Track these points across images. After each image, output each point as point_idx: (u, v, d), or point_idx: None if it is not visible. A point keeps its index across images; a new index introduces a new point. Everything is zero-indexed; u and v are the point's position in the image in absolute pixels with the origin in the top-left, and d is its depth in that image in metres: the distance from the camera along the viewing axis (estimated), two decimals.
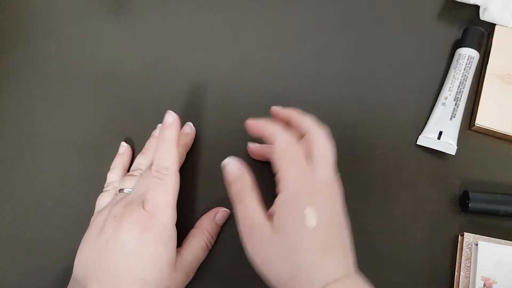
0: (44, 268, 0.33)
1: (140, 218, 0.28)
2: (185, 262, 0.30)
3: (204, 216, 0.34)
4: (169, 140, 0.30)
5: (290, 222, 0.26)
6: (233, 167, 0.31)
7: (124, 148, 0.37)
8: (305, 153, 0.28)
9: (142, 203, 0.29)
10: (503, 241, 0.34)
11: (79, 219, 0.34)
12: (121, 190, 0.32)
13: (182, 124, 0.37)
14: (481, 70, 0.41)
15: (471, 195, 0.35)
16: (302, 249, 0.26)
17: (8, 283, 0.32)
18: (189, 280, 0.31)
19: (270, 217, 0.27)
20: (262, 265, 0.27)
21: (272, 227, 0.27)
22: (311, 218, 0.26)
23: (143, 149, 0.36)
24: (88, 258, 0.28)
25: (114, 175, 0.35)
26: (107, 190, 0.34)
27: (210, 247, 0.33)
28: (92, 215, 0.32)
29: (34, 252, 0.33)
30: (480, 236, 0.34)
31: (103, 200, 0.33)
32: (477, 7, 0.44)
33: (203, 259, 0.32)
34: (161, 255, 0.28)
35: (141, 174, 0.33)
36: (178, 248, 0.31)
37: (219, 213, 0.34)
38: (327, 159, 0.29)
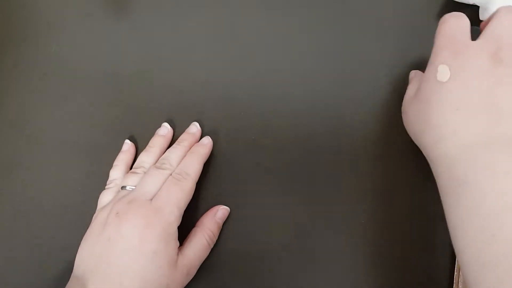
0: (44, 268, 0.33)
1: (145, 214, 0.28)
2: (186, 260, 0.30)
3: (205, 215, 0.34)
4: (200, 156, 0.33)
5: (427, 75, 0.27)
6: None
7: (127, 145, 0.36)
8: None
9: (148, 200, 0.29)
10: None
11: (79, 219, 0.34)
12: (123, 187, 0.32)
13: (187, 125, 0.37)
14: None
15: None
16: (433, 103, 0.26)
17: (8, 283, 0.32)
18: (190, 279, 0.31)
19: None
20: (408, 118, 0.30)
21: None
22: (442, 74, 0.26)
23: (147, 147, 0.36)
24: (89, 255, 0.28)
25: (116, 172, 0.35)
26: (109, 188, 0.34)
27: (212, 245, 0.33)
28: (93, 214, 0.32)
29: (34, 252, 0.33)
30: None
31: (105, 198, 0.33)
32: (477, 7, 0.44)
33: (205, 258, 0.32)
34: (162, 252, 0.28)
35: (144, 172, 0.33)
36: (180, 246, 0.31)
37: (219, 211, 0.34)
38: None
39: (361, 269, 0.31)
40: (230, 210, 0.35)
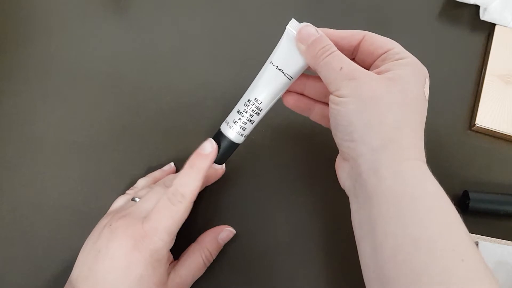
0: (44, 268, 0.33)
1: (133, 235, 0.27)
2: (179, 279, 0.30)
3: (207, 232, 0.33)
4: (198, 169, 0.29)
5: (410, 82, 0.26)
6: (310, 29, 0.27)
7: (169, 166, 0.36)
8: None
9: (142, 219, 0.28)
10: (503, 241, 0.34)
11: (79, 219, 0.34)
12: (133, 199, 0.32)
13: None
14: (481, 70, 0.41)
15: (471, 195, 0.35)
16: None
17: (8, 283, 0.32)
18: None
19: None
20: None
21: (381, 76, 0.26)
22: (427, 89, 0.27)
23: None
24: (83, 263, 0.28)
25: (142, 182, 0.34)
26: (126, 194, 0.34)
27: (207, 265, 0.32)
28: (92, 215, 0.32)
29: (34, 252, 0.33)
30: (480, 236, 0.34)
31: (117, 203, 0.33)
32: (477, 7, 0.44)
33: (198, 277, 0.31)
34: (150, 276, 0.27)
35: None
36: (175, 261, 0.31)
37: (223, 232, 0.33)
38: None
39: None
40: (229, 209, 0.35)
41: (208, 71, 0.41)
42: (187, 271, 0.30)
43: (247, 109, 0.29)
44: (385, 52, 0.28)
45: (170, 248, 0.29)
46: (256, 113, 0.29)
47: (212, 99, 0.39)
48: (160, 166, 0.36)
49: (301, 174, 0.36)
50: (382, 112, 0.25)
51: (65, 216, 0.35)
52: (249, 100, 0.29)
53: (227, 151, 0.30)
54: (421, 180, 0.24)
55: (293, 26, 0.28)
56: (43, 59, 0.41)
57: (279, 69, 0.28)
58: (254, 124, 0.30)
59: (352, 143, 0.26)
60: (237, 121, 0.29)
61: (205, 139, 0.37)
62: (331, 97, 0.26)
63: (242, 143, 0.30)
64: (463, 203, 0.35)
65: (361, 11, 0.44)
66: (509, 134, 0.38)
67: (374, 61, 0.28)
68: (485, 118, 0.38)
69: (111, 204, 0.33)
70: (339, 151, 0.28)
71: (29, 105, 0.39)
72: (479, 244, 0.33)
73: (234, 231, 0.34)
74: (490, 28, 0.43)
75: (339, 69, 0.26)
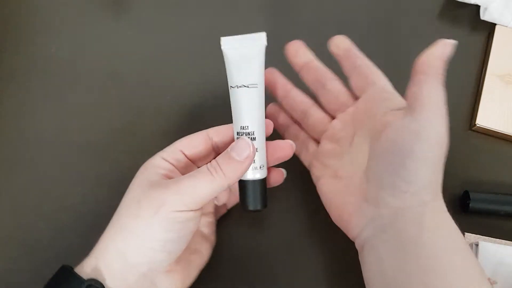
0: (44, 268, 0.33)
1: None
2: (175, 183, 0.26)
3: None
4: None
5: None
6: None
7: None
8: None
9: None
10: (504, 241, 0.34)
11: (79, 219, 0.34)
12: None
13: None
14: (481, 70, 0.41)
15: (471, 195, 0.35)
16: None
17: (8, 283, 0.32)
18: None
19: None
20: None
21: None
22: None
23: None
24: None
25: None
26: None
27: (216, 178, 0.26)
28: (92, 214, 0.32)
29: (34, 252, 0.33)
30: (481, 236, 0.34)
31: None
32: (477, 7, 0.43)
33: (203, 194, 0.26)
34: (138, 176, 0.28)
35: None
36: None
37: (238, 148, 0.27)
38: None
39: (361, 270, 0.31)
40: (229, 208, 0.34)
41: (208, 71, 0.41)
42: (188, 179, 0.26)
43: None
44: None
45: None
46: (252, 139, 0.27)
47: (212, 99, 0.39)
48: None
49: (302, 173, 0.36)
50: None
51: (65, 216, 0.35)
52: (238, 132, 0.27)
53: (257, 192, 0.27)
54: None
55: (226, 43, 0.27)
56: (43, 59, 0.41)
57: (241, 86, 0.27)
58: (261, 150, 0.27)
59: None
60: None
61: None
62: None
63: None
64: (463, 203, 0.35)
65: (360, 10, 0.44)
66: (509, 134, 0.38)
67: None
68: (486, 118, 0.38)
69: (111, 204, 0.33)
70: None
71: (29, 105, 0.39)
72: (479, 245, 0.33)
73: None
74: (490, 28, 0.43)
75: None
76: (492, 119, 0.38)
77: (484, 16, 0.42)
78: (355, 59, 0.31)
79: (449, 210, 0.36)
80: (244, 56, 0.27)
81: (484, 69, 0.41)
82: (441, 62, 0.26)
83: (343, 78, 0.33)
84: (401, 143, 0.25)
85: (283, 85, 0.34)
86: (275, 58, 0.41)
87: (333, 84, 0.32)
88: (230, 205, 0.34)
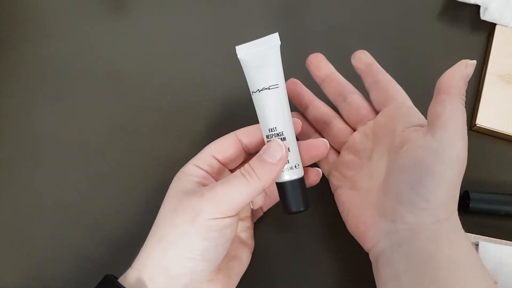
0: (44, 268, 0.33)
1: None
2: (210, 190, 0.26)
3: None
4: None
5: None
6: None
7: None
8: None
9: None
10: (504, 241, 0.34)
11: (79, 219, 0.34)
12: None
13: None
14: (481, 70, 0.41)
15: (471, 195, 0.35)
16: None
17: (8, 283, 0.32)
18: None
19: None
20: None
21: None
22: None
23: None
24: None
25: None
26: None
27: (250, 182, 0.26)
28: (92, 214, 0.32)
29: (34, 252, 0.33)
30: (481, 236, 0.34)
31: None
32: (477, 7, 0.43)
33: (240, 200, 0.26)
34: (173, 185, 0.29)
35: None
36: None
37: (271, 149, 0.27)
38: None
39: (361, 270, 0.31)
40: (265, 210, 0.34)
41: (208, 71, 0.41)
42: (222, 186, 0.26)
43: None
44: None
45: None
46: (282, 140, 0.27)
47: (212, 99, 0.39)
48: (160, 166, 0.36)
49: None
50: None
51: (65, 216, 0.35)
52: (267, 136, 0.27)
53: (297, 192, 0.27)
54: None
55: (241, 50, 0.28)
56: (43, 59, 0.41)
57: (263, 89, 0.27)
58: (293, 149, 0.27)
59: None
60: None
61: (206, 139, 0.37)
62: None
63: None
64: (463, 203, 0.35)
65: (360, 10, 0.44)
66: (509, 134, 0.38)
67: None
68: (486, 118, 0.38)
69: (111, 204, 0.33)
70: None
71: (29, 105, 0.39)
72: (479, 245, 0.33)
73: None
74: (490, 28, 0.43)
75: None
76: (492, 119, 0.38)
77: (484, 16, 0.42)
78: (376, 74, 0.32)
79: None
80: (261, 59, 0.27)
81: (484, 69, 0.41)
82: (464, 82, 0.27)
83: (363, 91, 0.33)
84: (421, 161, 0.25)
85: (306, 95, 0.34)
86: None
87: (354, 97, 0.33)
88: (266, 208, 0.34)
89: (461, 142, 0.25)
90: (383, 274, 0.27)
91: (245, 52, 0.27)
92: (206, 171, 0.28)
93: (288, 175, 0.27)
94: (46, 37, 0.42)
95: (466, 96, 0.37)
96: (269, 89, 0.27)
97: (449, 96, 0.26)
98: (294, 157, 0.27)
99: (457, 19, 0.44)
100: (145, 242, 0.27)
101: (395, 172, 0.27)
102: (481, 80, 0.40)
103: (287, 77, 0.29)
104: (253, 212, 0.33)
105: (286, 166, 0.27)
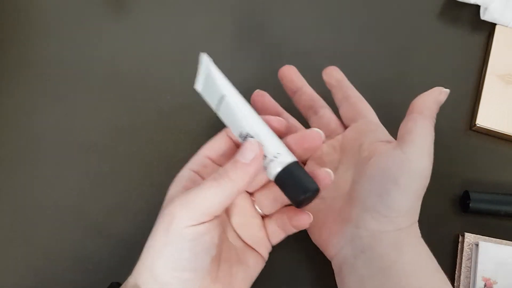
0: (44, 268, 0.33)
1: None
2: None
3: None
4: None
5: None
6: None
7: None
8: None
9: None
10: (504, 241, 0.34)
11: (79, 219, 0.34)
12: None
13: None
14: (481, 70, 0.41)
15: (471, 195, 0.35)
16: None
17: (8, 283, 0.32)
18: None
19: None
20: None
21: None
22: None
23: None
24: None
25: None
26: None
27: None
28: (92, 214, 0.32)
29: (34, 252, 0.33)
30: (481, 236, 0.34)
31: None
32: (477, 7, 0.43)
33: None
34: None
35: None
36: None
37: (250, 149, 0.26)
38: None
39: None
40: None
41: None
42: (194, 190, 0.25)
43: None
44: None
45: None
46: (252, 137, 0.26)
47: None
48: (160, 166, 0.36)
49: None
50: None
51: (65, 216, 0.35)
52: (241, 139, 0.27)
53: (292, 181, 0.25)
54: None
55: (198, 86, 0.29)
56: (42, 59, 0.41)
57: (217, 104, 0.28)
58: (267, 143, 0.26)
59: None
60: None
61: (205, 139, 0.37)
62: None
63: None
64: (463, 203, 0.35)
65: (360, 10, 0.44)
66: (509, 134, 0.38)
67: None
68: (486, 118, 0.38)
69: (111, 204, 0.33)
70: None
71: (29, 105, 0.39)
72: (479, 244, 0.33)
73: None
74: (490, 28, 0.43)
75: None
76: (492, 119, 0.38)
77: (484, 16, 0.42)
78: (346, 90, 0.33)
79: (449, 210, 0.36)
80: (207, 82, 0.29)
81: (484, 69, 0.41)
82: (436, 107, 0.29)
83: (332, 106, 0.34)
84: (388, 170, 0.27)
85: (273, 107, 0.34)
86: (275, 57, 0.41)
87: (324, 111, 0.34)
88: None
89: (427, 159, 0.27)
90: (347, 282, 0.28)
91: (199, 85, 0.30)
92: (198, 173, 0.28)
93: (273, 169, 0.25)
94: (46, 37, 0.42)
95: (466, 96, 0.37)
96: (221, 102, 0.28)
97: (421, 116, 0.28)
98: (271, 149, 0.26)
99: (457, 19, 0.44)
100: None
101: (362, 181, 0.28)
102: (481, 80, 0.40)
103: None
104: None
105: (265, 161, 0.26)
